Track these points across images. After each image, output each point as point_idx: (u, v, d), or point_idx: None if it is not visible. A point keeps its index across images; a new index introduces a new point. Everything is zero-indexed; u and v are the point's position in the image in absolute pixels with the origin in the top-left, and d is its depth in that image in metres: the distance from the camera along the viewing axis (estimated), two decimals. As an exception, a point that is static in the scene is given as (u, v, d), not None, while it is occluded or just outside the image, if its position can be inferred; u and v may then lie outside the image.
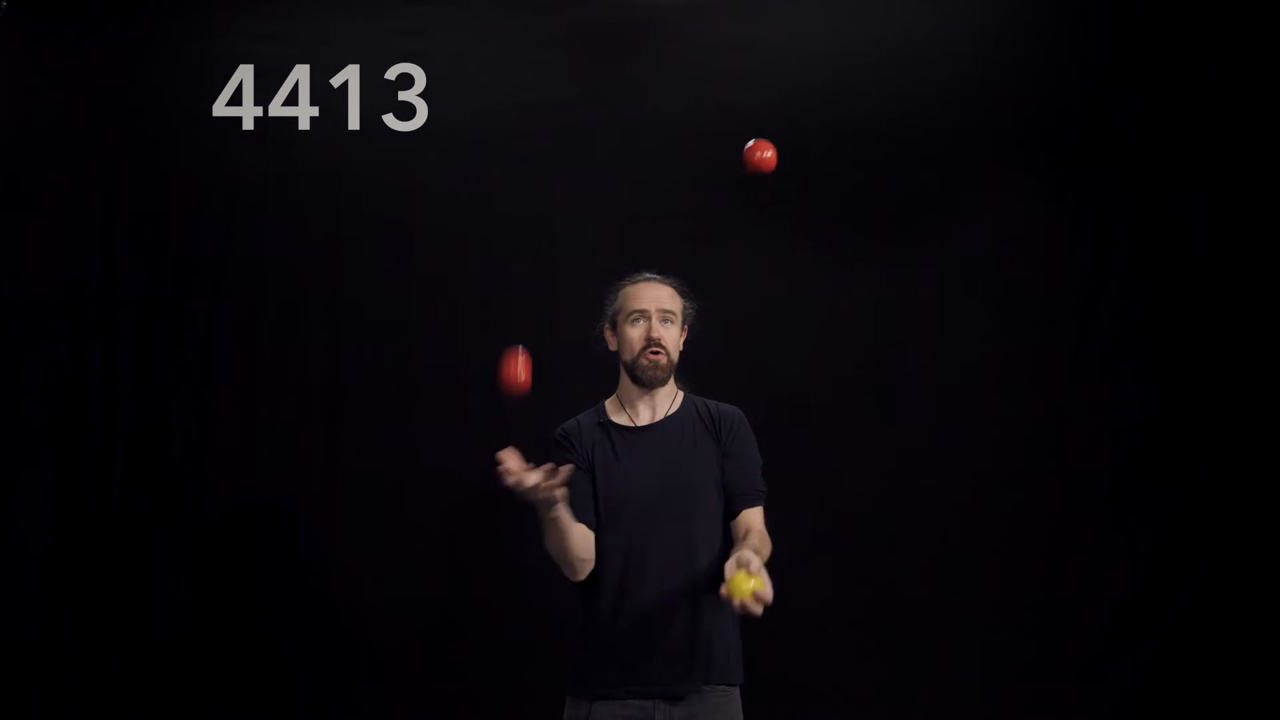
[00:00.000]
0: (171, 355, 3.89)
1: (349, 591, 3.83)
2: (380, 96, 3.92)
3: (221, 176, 3.92)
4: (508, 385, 2.62)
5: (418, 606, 3.82)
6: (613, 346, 2.80)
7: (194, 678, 3.81)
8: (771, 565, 2.73)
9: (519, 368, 2.60)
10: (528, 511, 3.77)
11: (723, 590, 2.35)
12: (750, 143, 3.02)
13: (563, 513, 2.51)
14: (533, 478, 2.38)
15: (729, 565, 2.38)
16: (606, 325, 2.81)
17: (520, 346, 2.63)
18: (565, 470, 2.42)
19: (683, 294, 2.81)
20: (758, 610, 2.32)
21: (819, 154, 3.88)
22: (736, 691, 2.69)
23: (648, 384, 2.72)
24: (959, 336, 3.86)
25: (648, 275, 2.80)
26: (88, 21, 3.95)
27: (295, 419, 3.88)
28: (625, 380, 2.77)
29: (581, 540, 2.61)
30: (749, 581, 2.33)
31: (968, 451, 3.82)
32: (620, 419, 2.75)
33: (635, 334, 2.72)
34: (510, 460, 2.39)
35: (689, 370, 2.84)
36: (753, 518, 2.68)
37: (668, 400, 2.77)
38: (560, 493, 2.43)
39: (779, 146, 3.85)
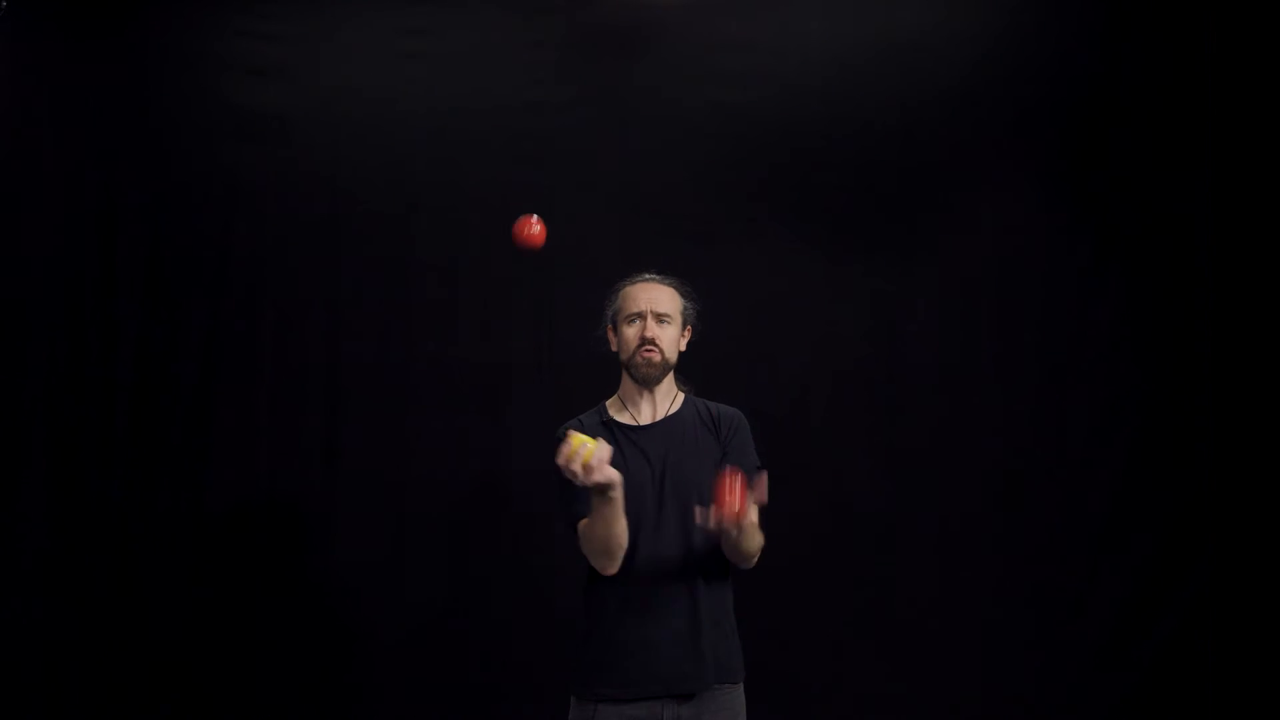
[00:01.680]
0: (171, 355, 3.88)
1: (349, 591, 3.83)
2: (381, 95, 3.92)
3: (221, 176, 3.92)
4: (522, 242, 2.72)
5: (418, 606, 3.81)
6: (614, 347, 2.81)
7: (194, 678, 3.81)
8: (772, 564, 2.75)
9: (533, 227, 2.65)
10: (529, 511, 3.79)
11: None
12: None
13: (620, 494, 2.51)
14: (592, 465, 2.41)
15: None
16: (608, 325, 2.82)
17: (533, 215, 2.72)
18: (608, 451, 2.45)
19: (684, 294, 2.81)
20: (734, 524, 2.42)
21: (818, 154, 3.89)
22: (740, 688, 2.71)
23: (643, 381, 2.74)
24: (959, 336, 3.86)
25: (647, 276, 2.81)
26: (88, 21, 3.95)
27: (295, 419, 3.88)
28: (626, 380, 2.78)
29: (626, 527, 2.59)
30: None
31: (968, 451, 3.82)
32: (623, 418, 2.76)
33: (631, 333, 2.74)
34: (567, 449, 2.42)
35: (690, 370, 2.85)
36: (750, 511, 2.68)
37: (668, 400, 2.78)
38: (617, 476, 2.46)
39: (779, 146, 3.89)
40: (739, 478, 2.44)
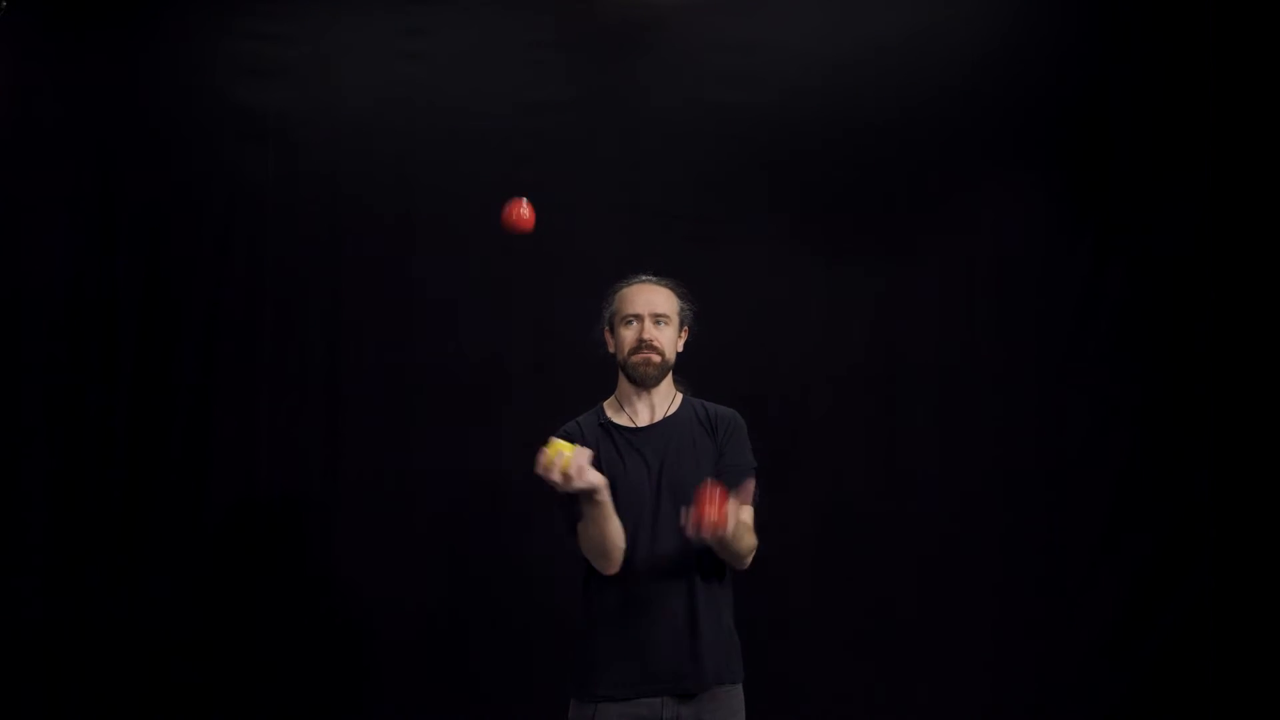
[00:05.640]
0: (171, 355, 3.89)
1: (349, 591, 3.83)
2: (380, 96, 3.92)
3: (221, 176, 3.92)
4: (511, 226, 2.70)
5: (418, 606, 3.81)
6: (611, 348, 2.81)
7: (194, 677, 3.81)
8: (772, 563, 2.75)
9: (522, 210, 2.66)
10: (528, 511, 3.78)
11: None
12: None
13: (606, 497, 2.53)
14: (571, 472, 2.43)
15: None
16: (605, 327, 2.82)
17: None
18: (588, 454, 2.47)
19: (681, 295, 2.81)
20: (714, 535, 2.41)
21: (818, 153, 3.89)
22: (739, 688, 2.71)
23: (641, 382, 2.74)
24: (959, 336, 3.86)
25: (644, 277, 2.81)
26: (88, 21, 3.95)
27: (295, 419, 3.88)
28: (623, 381, 2.78)
29: (620, 528, 2.61)
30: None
31: (967, 451, 3.82)
32: (620, 419, 2.76)
33: (629, 335, 2.74)
34: (544, 458, 2.43)
35: (689, 370, 2.85)
36: (740, 512, 2.67)
37: (666, 401, 2.78)
38: (601, 479, 2.49)
39: (779, 146, 3.89)
40: (719, 490, 2.44)
